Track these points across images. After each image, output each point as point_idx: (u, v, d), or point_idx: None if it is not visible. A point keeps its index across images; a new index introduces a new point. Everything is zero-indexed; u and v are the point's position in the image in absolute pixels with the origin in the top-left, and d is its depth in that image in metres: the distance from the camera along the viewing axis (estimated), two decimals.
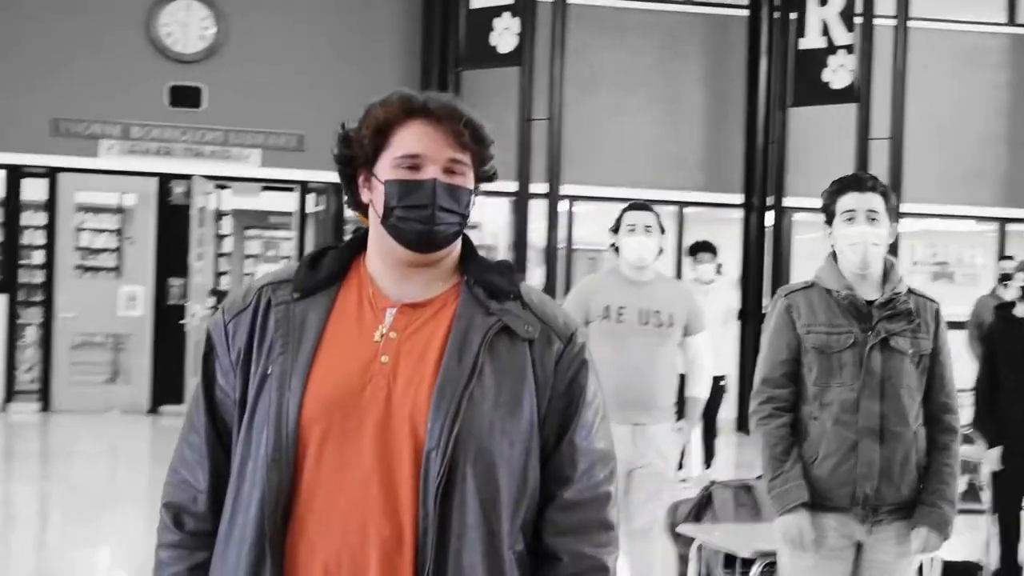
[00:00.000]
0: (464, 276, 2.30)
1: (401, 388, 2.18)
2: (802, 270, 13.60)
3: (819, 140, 14.73)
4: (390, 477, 2.15)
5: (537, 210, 13.73)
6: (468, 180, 2.27)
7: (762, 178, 14.99)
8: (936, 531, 4.10)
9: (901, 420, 4.08)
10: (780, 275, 14.75)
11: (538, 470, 2.24)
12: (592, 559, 2.25)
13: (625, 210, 6.22)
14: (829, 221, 4.21)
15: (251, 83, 14.21)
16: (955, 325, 8.21)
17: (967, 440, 8.04)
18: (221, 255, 17.72)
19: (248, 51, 14.33)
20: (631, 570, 6.26)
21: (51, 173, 14.07)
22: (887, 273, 4.20)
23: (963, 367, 6.84)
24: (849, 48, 13.73)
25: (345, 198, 2.37)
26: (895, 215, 4.21)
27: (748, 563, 4.40)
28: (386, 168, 2.25)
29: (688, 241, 12.07)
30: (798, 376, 4.17)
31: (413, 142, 2.24)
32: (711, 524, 4.86)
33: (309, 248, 15.46)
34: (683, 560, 4.63)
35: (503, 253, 14.70)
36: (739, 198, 15.15)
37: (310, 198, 15.03)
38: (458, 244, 2.32)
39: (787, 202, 14.92)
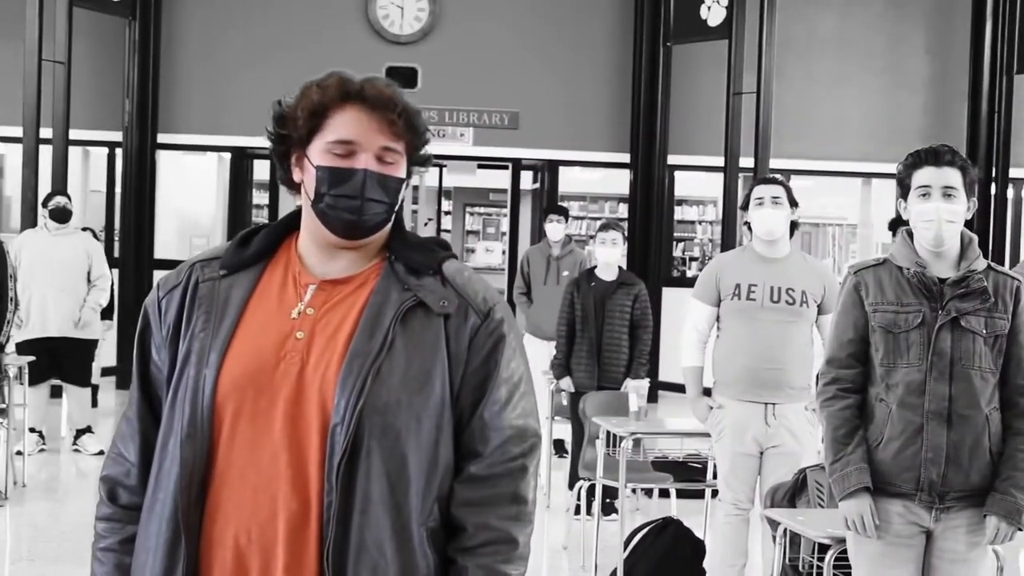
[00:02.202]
0: (388, 253, 2.29)
1: (312, 364, 2.17)
2: None
3: None
4: (299, 452, 2.15)
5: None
6: (399, 169, 2.25)
7: (987, 148, 14.33)
8: (1007, 520, 3.87)
9: (971, 403, 3.88)
10: (1001, 249, 14.06)
11: (451, 445, 2.21)
12: (498, 530, 2.19)
13: (753, 184, 6.10)
14: (904, 195, 4.03)
15: (464, 63, 14.40)
16: None
17: None
18: (443, 231, 18.04)
19: (461, 31, 14.53)
20: (765, 553, 6.14)
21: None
22: (964, 250, 4.00)
23: None
24: None
25: (279, 174, 2.34)
26: (974, 189, 4.00)
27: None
28: (318, 152, 2.23)
29: None
30: (867, 356, 4.02)
31: (347, 128, 2.22)
32: (805, 508, 4.74)
33: (524, 226, 15.62)
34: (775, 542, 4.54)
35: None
36: None
37: (524, 175, 15.15)
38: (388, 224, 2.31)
39: (1014, 172, 14.22)
